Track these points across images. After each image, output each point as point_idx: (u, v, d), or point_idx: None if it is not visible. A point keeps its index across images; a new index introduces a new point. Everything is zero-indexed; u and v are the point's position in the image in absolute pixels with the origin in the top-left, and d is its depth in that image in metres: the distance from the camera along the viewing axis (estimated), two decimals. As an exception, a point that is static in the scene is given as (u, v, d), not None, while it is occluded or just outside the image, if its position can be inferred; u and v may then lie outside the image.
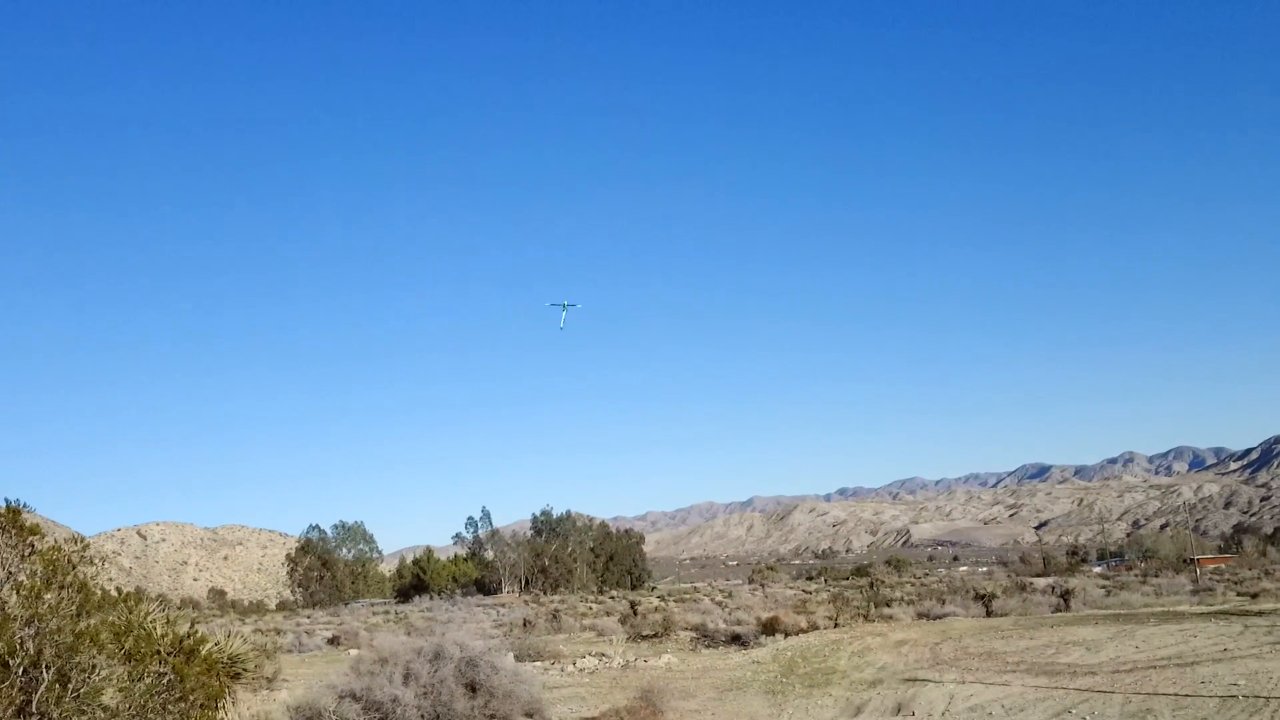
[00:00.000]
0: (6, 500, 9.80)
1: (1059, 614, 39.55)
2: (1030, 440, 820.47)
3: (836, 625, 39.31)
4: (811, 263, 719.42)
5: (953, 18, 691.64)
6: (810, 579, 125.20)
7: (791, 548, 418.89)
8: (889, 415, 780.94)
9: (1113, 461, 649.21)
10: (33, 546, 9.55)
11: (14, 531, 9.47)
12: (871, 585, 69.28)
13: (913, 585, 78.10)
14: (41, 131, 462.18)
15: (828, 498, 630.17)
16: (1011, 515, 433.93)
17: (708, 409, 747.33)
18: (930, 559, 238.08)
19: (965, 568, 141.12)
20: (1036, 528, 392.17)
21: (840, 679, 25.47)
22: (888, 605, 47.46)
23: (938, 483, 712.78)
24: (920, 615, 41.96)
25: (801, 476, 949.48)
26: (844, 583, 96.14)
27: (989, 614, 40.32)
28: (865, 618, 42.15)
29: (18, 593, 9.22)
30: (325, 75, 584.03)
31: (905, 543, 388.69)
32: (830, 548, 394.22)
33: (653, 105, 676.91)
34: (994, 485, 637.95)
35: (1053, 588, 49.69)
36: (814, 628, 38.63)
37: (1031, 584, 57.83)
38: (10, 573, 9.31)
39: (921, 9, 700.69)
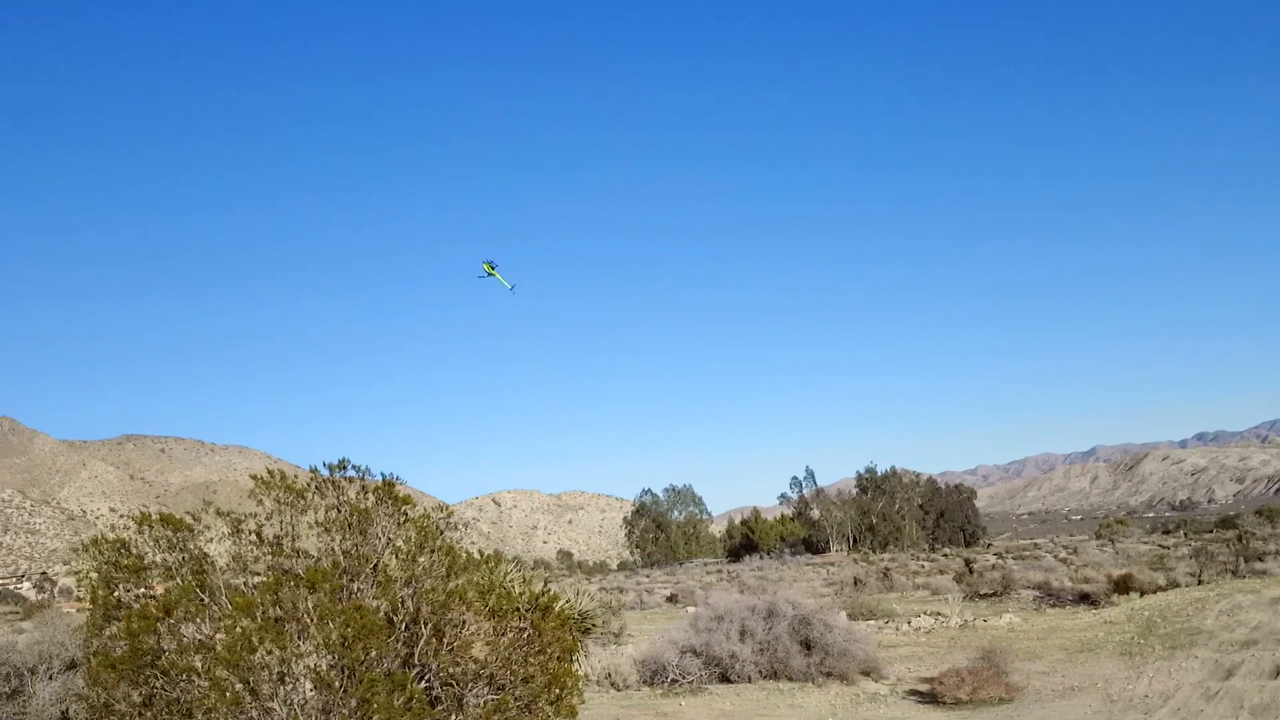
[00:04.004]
0: (383, 474, 10.96)
1: None
2: None
3: (1200, 582, 36.04)
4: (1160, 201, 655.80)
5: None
6: (1166, 533, 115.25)
7: (1143, 500, 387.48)
8: (1255, 349, 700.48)
9: None
10: (406, 515, 10.64)
11: (390, 502, 10.58)
12: (1240, 538, 62.67)
13: (1291, 538, 69.92)
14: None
15: (1183, 444, 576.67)
16: None
17: (1042, 355, 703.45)
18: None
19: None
20: None
21: (1207, 639, 23.35)
22: (1260, 560, 42.85)
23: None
24: (1302, 570, 37.59)
25: (1150, 422, 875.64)
26: (1207, 536, 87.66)
27: (1390, 569, 35.42)
28: (1234, 573, 38.35)
29: (396, 557, 10.33)
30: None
31: (1279, 491, 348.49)
32: (1189, 499, 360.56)
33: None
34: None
35: None
36: (1173, 585, 35.67)
37: None
38: (389, 539, 10.42)
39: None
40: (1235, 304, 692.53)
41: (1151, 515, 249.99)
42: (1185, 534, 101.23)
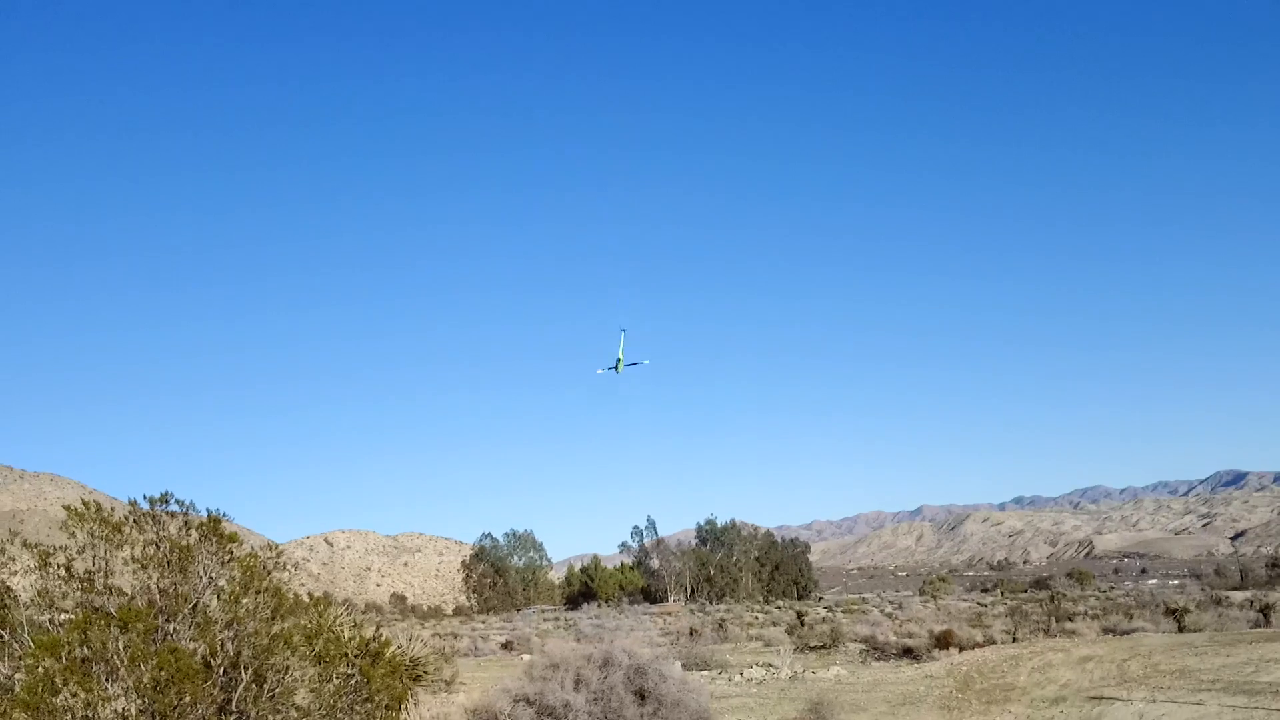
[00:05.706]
0: (208, 510, 10.51)
1: (1258, 630, 36.95)
2: (1225, 445, 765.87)
3: (1015, 640, 37.88)
4: (976, 259, 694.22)
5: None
6: (985, 591, 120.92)
7: (964, 559, 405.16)
8: (1069, 421, 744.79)
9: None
10: (231, 554, 10.20)
11: (214, 539, 10.13)
12: (1052, 599, 66.43)
13: (1097, 599, 74.49)
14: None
15: (1002, 507, 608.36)
16: (1205, 525, 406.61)
17: (874, 416, 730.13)
18: (1116, 572, 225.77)
19: (1154, 581, 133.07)
20: (1232, 538, 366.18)
21: (1020, 696, 24.52)
22: (1070, 620, 45.44)
23: (1123, 491, 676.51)
24: (1106, 630, 39.97)
25: (973, 485, 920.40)
26: (1022, 596, 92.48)
27: (1181, 629, 38.05)
28: (1046, 632, 40.48)
29: (218, 597, 9.89)
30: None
31: (1088, 555, 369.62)
32: (1006, 559, 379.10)
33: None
34: (1185, 494, 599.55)
35: (1251, 602, 46.55)
36: (990, 642, 37.36)
37: (1228, 598, 54.29)
38: (211, 578, 9.97)
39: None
40: (1054, 379, 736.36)
41: (971, 574, 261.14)
42: (1002, 593, 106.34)
